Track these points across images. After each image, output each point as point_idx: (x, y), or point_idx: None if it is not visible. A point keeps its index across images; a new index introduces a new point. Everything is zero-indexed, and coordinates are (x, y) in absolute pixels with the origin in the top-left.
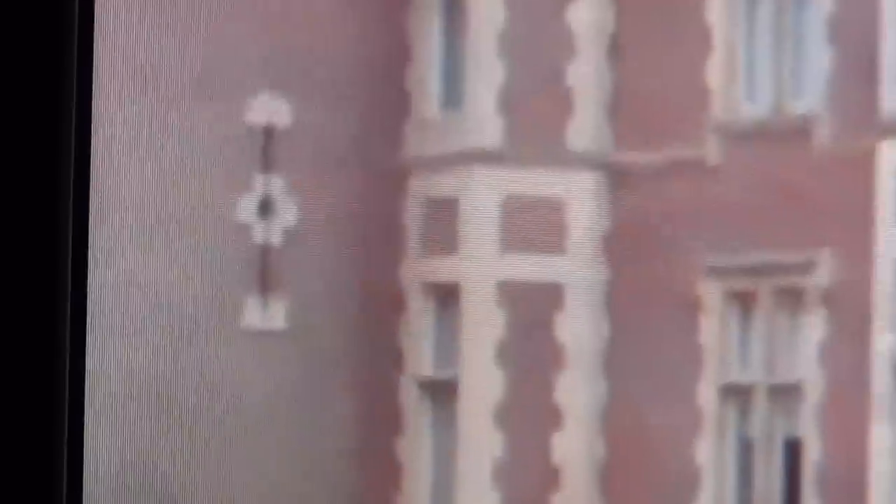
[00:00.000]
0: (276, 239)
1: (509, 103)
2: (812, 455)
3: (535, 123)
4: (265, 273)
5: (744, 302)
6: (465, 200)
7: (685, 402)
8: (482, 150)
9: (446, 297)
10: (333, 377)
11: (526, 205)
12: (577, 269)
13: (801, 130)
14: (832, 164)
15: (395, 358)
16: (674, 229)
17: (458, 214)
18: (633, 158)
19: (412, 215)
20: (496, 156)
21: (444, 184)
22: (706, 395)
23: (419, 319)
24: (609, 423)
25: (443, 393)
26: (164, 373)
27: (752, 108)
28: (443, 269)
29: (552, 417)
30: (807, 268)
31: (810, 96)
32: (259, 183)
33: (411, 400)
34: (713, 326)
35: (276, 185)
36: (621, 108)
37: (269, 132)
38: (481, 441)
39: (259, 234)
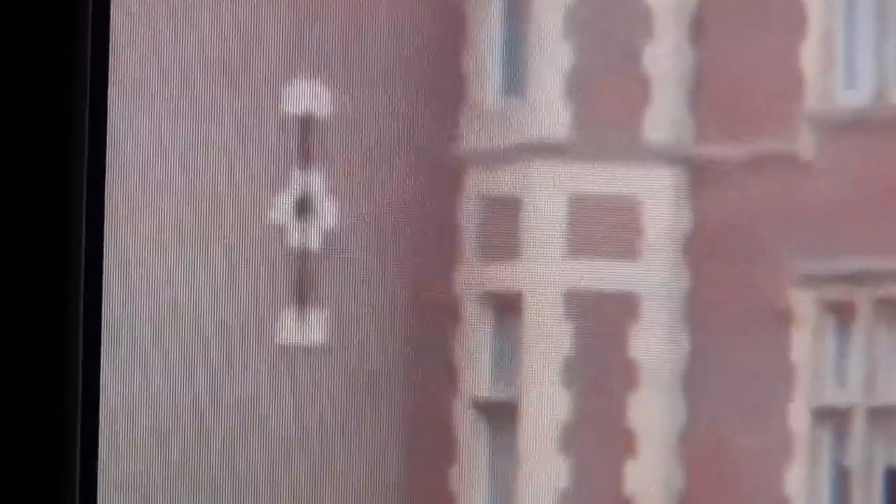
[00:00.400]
0: (314, 242)
1: (577, 90)
2: None
3: (606, 113)
4: (302, 281)
5: (840, 314)
6: (528, 199)
7: (774, 425)
8: (547, 142)
9: (506, 307)
10: (379, 399)
11: (596, 204)
12: (653, 276)
13: None
14: None
15: (448, 376)
16: (762, 232)
17: (520, 215)
18: (716, 152)
19: (468, 216)
20: (562, 149)
21: (503, 181)
22: (798, 417)
23: (475, 333)
24: (688, 449)
25: (501, 415)
26: (184, 393)
27: (852, 97)
28: (502, 276)
29: (624, 443)
30: None
31: None
32: (295, 180)
33: (466, 423)
34: (806, 341)
35: (315, 182)
36: (704, 96)
37: (306, 123)
38: (544, 469)
39: (295, 236)
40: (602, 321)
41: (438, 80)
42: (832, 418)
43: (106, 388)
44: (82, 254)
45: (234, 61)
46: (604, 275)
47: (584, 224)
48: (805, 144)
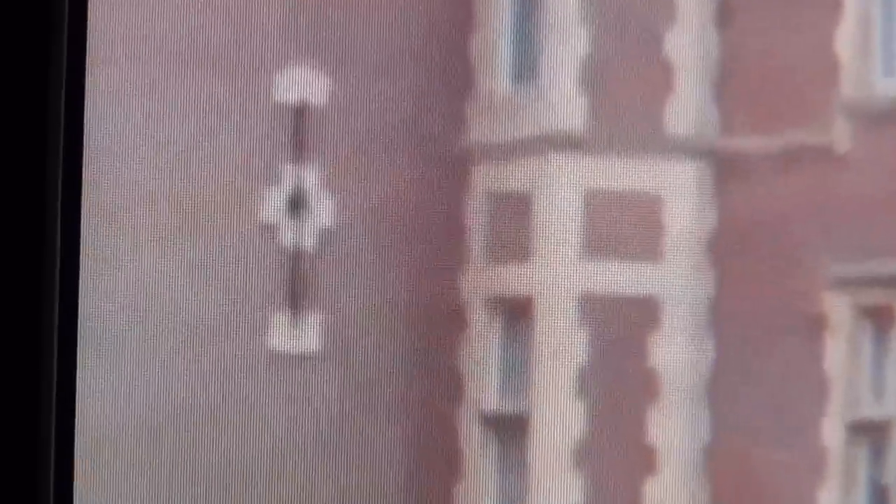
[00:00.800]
0: (308, 242)
1: (594, 78)
2: None
3: (624, 103)
4: (295, 283)
5: (878, 320)
6: (540, 196)
7: (806, 441)
8: (561, 134)
9: (516, 313)
10: (378, 410)
11: (613, 201)
12: (675, 278)
13: None
14: None
15: (453, 387)
16: (793, 231)
17: (531, 213)
18: (743, 145)
19: (475, 214)
20: (577, 142)
21: (514, 175)
22: (832, 432)
23: (483, 341)
24: (713, 467)
25: (511, 430)
26: (169, 403)
27: (890, 84)
28: (512, 279)
29: (644, 459)
30: None
31: None
32: (288, 174)
33: (473, 439)
34: (840, 349)
35: (309, 176)
36: (730, 85)
37: (300, 112)
38: (557, 488)
39: (288, 236)
40: (620, 328)
41: (444, 67)
42: (868, 433)
43: (83, 394)
44: (57, 254)
45: (223, 45)
46: (622, 277)
47: (601, 222)
48: (840, 136)
